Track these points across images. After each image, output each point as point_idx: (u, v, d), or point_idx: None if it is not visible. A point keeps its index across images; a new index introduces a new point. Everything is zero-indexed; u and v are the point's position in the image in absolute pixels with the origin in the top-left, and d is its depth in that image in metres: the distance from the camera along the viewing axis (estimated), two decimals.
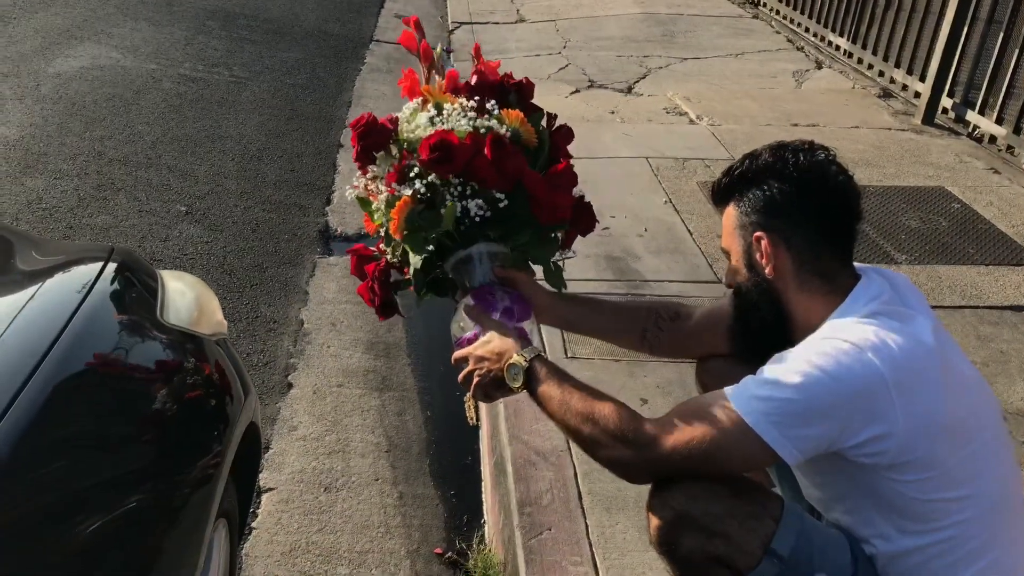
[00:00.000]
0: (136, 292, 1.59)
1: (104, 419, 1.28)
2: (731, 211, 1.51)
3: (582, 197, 1.76)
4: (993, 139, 4.81)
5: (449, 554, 2.38)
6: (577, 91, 5.82)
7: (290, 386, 2.99)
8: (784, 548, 1.34)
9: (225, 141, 4.83)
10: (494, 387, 1.57)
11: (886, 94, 5.73)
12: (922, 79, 5.33)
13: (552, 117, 1.80)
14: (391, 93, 6.08)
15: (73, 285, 1.47)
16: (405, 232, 1.61)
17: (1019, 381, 2.81)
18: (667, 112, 5.34)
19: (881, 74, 5.92)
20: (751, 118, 5.23)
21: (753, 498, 1.39)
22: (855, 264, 1.47)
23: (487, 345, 1.57)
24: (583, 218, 1.78)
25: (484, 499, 2.60)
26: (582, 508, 2.22)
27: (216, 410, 1.56)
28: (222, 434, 1.52)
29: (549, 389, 1.47)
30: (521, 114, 1.65)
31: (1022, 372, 2.86)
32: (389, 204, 1.62)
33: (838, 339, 1.30)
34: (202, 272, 3.52)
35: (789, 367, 1.31)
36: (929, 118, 5.18)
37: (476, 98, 1.66)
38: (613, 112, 5.31)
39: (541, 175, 1.64)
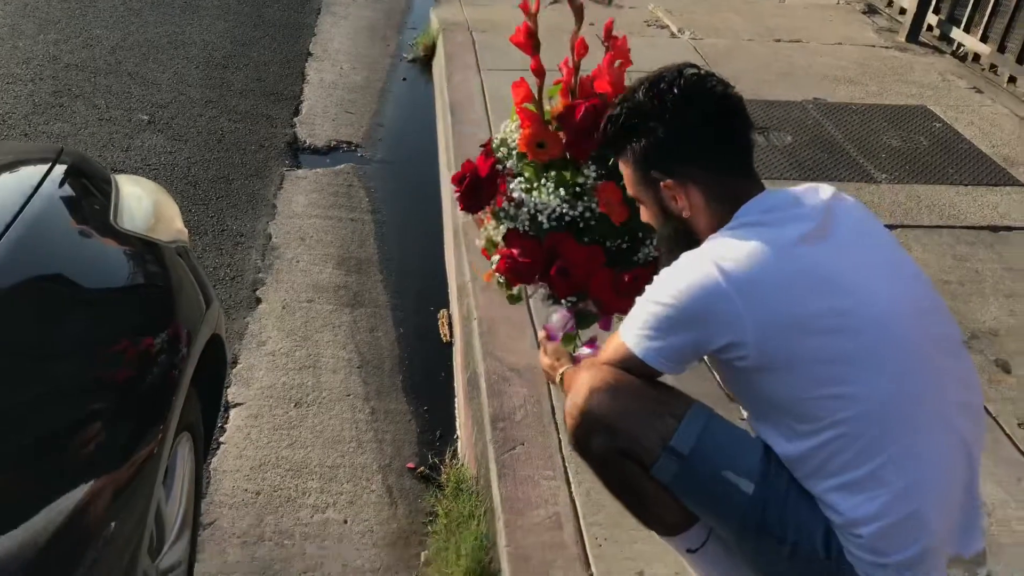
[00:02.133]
0: (87, 195, 1.50)
1: (50, 326, 1.21)
2: (625, 163, 1.52)
3: None
4: (977, 58, 4.72)
5: (421, 468, 2.37)
6: (556, 1, 5.61)
7: (258, 301, 2.92)
8: (683, 446, 1.42)
9: (189, 48, 4.62)
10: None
11: (871, 10, 5.60)
12: None
13: None
14: (362, 1, 5.84)
15: (17, 186, 1.38)
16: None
17: (992, 300, 2.81)
18: (648, 25, 5.18)
19: None
20: (733, 32, 5.09)
21: (656, 398, 1.46)
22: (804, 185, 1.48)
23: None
24: None
25: (457, 415, 2.57)
26: (555, 423, 2.20)
27: (174, 318, 1.49)
28: (181, 344, 1.46)
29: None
30: (616, 191, 1.73)
31: (996, 292, 2.85)
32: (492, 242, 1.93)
33: (693, 255, 1.38)
34: (166, 183, 3.39)
35: (653, 286, 1.42)
36: (914, 35, 5.07)
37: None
38: (592, 24, 5.13)
39: (613, 274, 1.82)
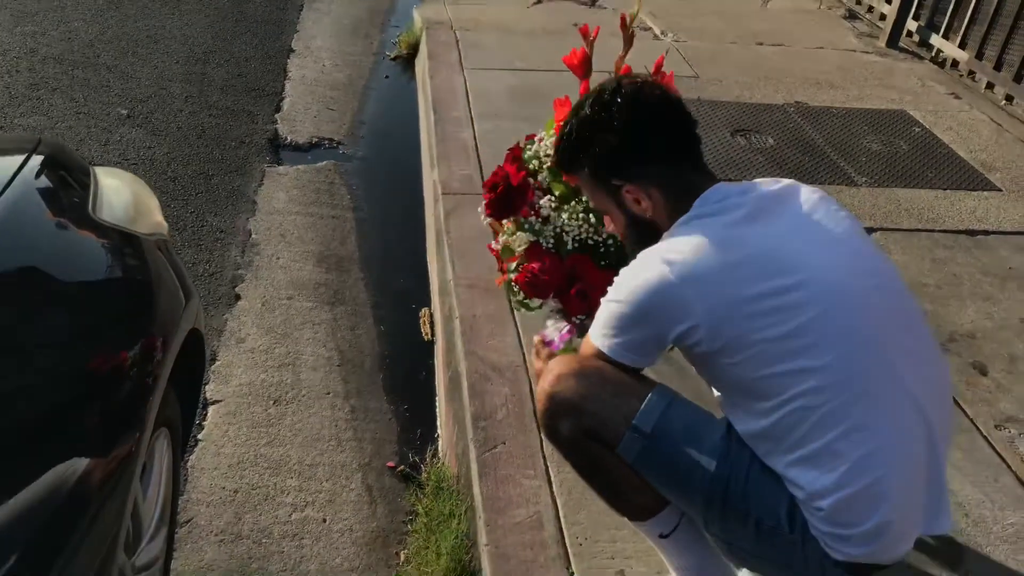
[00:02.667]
0: (65, 186, 1.48)
1: (26, 317, 1.19)
2: (585, 179, 1.59)
3: None
4: (955, 64, 4.78)
5: (401, 467, 2.35)
6: (540, 2, 5.62)
7: (238, 297, 2.89)
8: (646, 424, 1.47)
9: (169, 42, 4.58)
10: None
11: (852, 15, 5.65)
12: (888, 1, 5.25)
13: None
14: None
15: None
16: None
17: (970, 304, 2.83)
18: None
19: None
20: (717, 35, 5.11)
21: (620, 381, 1.50)
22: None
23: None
24: None
25: (438, 414, 2.56)
26: (537, 423, 2.19)
27: (153, 312, 1.47)
28: (160, 337, 1.44)
29: None
30: None
31: (973, 295, 2.88)
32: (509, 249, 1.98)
33: (645, 253, 1.45)
34: (145, 178, 3.33)
35: (612, 286, 1.48)
36: (894, 41, 5.11)
37: None
38: (576, 25, 5.13)
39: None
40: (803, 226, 1.46)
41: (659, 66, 1.91)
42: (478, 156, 3.47)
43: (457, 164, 3.41)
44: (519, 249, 1.91)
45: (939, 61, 4.90)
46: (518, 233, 1.91)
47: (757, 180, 1.53)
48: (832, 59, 4.88)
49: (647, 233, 1.52)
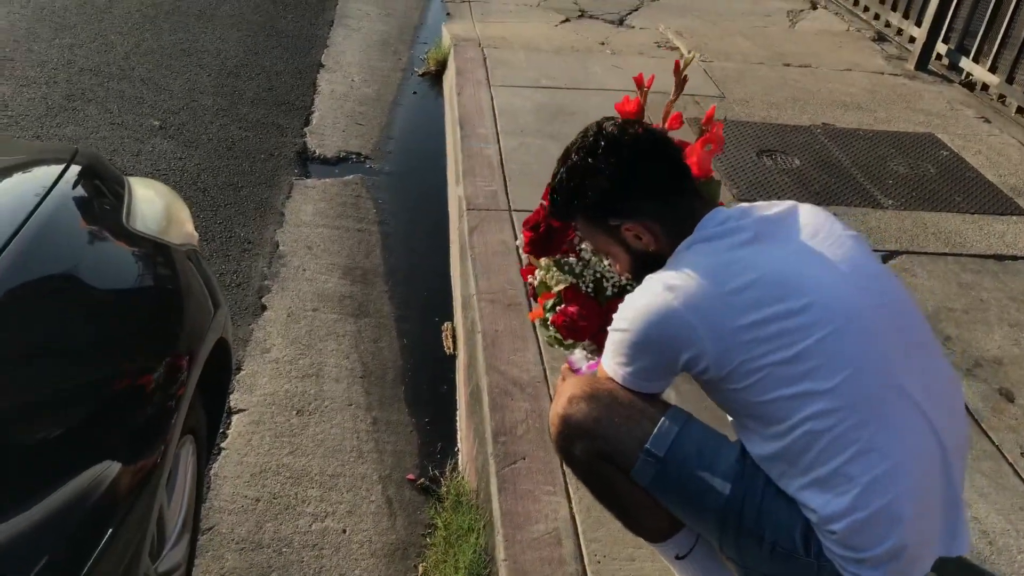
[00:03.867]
0: (100, 196, 1.51)
1: (61, 325, 1.22)
2: (582, 223, 1.62)
3: None
4: (985, 87, 4.75)
5: (421, 480, 2.36)
6: (567, 20, 5.66)
7: (264, 308, 2.93)
8: (660, 447, 1.47)
9: (202, 55, 4.66)
10: None
11: (880, 38, 5.63)
12: (918, 24, 5.23)
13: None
14: (375, 14, 5.89)
15: (32, 186, 1.39)
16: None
17: (997, 329, 2.81)
18: (658, 46, 5.21)
19: (876, 17, 5.81)
20: (743, 55, 5.12)
21: (633, 404, 1.50)
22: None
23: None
24: None
25: (458, 427, 2.57)
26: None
27: (183, 321, 1.50)
28: (189, 346, 1.46)
29: None
30: None
31: (1000, 320, 2.85)
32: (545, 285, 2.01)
33: (648, 281, 1.46)
34: (176, 189, 3.40)
35: (618, 314, 1.49)
36: (923, 64, 5.09)
37: None
38: (603, 44, 5.18)
39: None
40: (807, 248, 1.46)
41: (709, 118, 1.92)
42: (503, 172, 3.50)
43: (483, 180, 3.44)
44: (556, 288, 1.93)
45: (969, 84, 4.87)
46: (556, 272, 1.92)
47: (755, 203, 1.55)
48: (860, 81, 4.86)
49: (653, 265, 1.53)
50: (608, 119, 1.62)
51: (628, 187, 1.52)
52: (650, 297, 1.43)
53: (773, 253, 1.43)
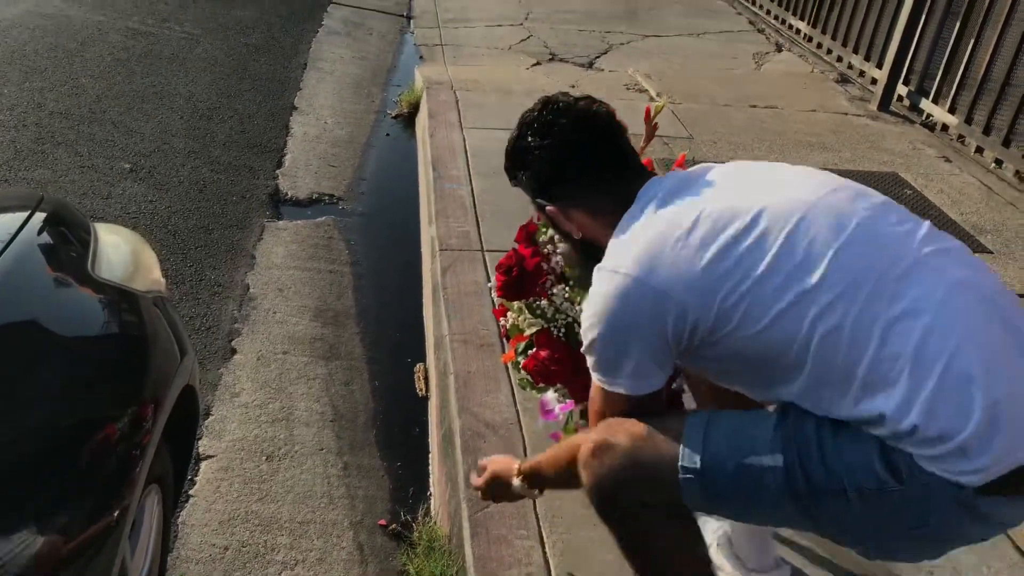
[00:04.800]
0: (66, 243, 1.50)
1: (23, 372, 1.20)
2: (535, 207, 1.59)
3: (678, 391, 1.88)
4: (945, 128, 4.86)
5: (393, 526, 2.33)
6: (538, 63, 5.75)
7: (233, 351, 2.90)
8: (693, 459, 1.34)
9: (174, 99, 4.66)
10: (509, 496, 1.75)
11: (844, 79, 5.77)
12: (879, 66, 5.37)
13: None
14: (348, 57, 5.94)
15: None
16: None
17: None
18: (627, 88, 5.30)
19: (839, 59, 5.96)
20: (710, 97, 5.21)
21: (652, 434, 1.38)
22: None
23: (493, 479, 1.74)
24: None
25: (431, 471, 2.55)
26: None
27: (148, 368, 1.48)
28: (154, 394, 1.45)
29: (540, 479, 1.63)
30: None
31: None
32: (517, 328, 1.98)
33: (595, 277, 1.38)
34: (146, 232, 3.39)
35: (583, 319, 1.40)
36: (885, 104, 5.22)
37: None
38: (573, 86, 5.25)
39: None
40: (754, 178, 1.40)
41: (680, 164, 1.95)
42: (476, 213, 3.52)
43: (455, 220, 3.45)
44: (529, 332, 1.93)
45: (929, 125, 4.99)
46: (528, 316, 1.93)
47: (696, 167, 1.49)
48: (825, 121, 4.97)
49: (591, 254, 1.46)
50: (563, 94, 1.54)
51: (556, 169, 1.47)
52: (605, 285, 1.35)
53: (707, 190, 1.36)
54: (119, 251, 1.63)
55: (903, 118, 5.12)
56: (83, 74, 4.72)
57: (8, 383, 1.18)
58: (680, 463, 1.34)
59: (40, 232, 1.46)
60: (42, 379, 1.23)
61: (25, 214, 1.47)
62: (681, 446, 1.35)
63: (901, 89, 5.21)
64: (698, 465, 1.33)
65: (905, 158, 4.53)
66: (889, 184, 4.18)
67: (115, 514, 1.25)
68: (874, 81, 5.42)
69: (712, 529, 1.90)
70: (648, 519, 1.42)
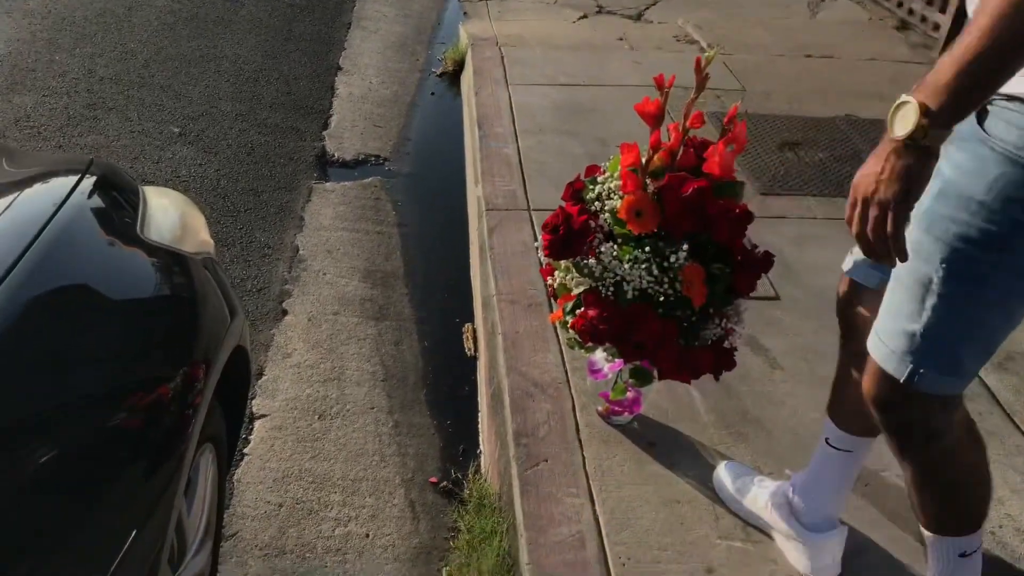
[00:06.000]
0: (115, 206, 1.51)
1: (76, 335, 1.21)
2: None
3: (730, 350, 1.93)
4: None
5: (444, 483, 2.35)
6: (584, 16, 5.62)
7: (284, 312, 2.93)
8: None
9: (220, 61, 4.68)
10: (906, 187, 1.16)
11: (904, 26, 5.54)
12: (942, 11, 5.14)
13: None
14: (392, 15, 5.89)
15: (46, 197, 1.39)
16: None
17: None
18: (677, 40, 5.16)
19: (900, 4, 5.71)
20: (763, 48, 5.05)
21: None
22: None
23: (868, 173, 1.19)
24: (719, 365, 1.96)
25: (480, 430, 2.56)
26: (579, 440, 2.18)
27: (199, 330, 1.49)
28: (205, 355, 1.46)
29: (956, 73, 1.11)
30: (700, 272, 1.79)
31: None
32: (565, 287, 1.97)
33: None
34: (196, 195, 3.43)
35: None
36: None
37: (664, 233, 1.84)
38: (621, 39, 5.14)
39: (681, 349, 1.88)
40: None
41: (731, 117, 1.88)
42: (522, 171, 3.48)
43: (501, 180, 3.42)
44: (576, 291, 1.90)
45: None
46: (575, 275, 1.90)
47: None
48: (883, 71, 4.79)
49: None
50: None
51: None
52: None
53: None
54: (168, 213, 1.64)
55: None
56: (131, 39, 4.76)
57: (63, 345, 1.20)
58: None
59: (90, 196, 1.47)
60: (95, 341, 1.25)
61: (75, 178, 1.48)
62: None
63: None
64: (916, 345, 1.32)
65: None
66: None
67: (170, 471, 1.27)
68: (936, 27, 5.20)
69: (769, 490, 1.88)
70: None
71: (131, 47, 4.66)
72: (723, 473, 2.02)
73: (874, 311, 1.43)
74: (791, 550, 1.85)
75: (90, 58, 4.46)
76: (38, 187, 1.47)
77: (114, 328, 1.30)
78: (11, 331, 1.12)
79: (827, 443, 1.72)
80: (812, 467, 1.82)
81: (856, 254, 1.57)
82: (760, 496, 1.90)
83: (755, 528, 1.95)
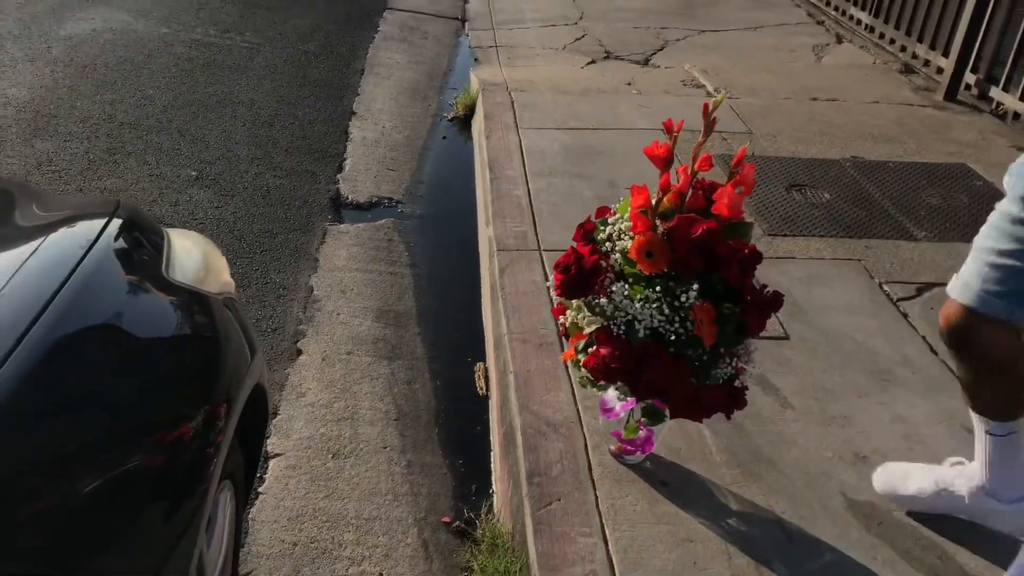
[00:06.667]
0: (141, 248, 1.56)
1: (104, 376, 1.25)
2: None
3: (741, 389, 1.97)
4: (1017, 116, 4.71)
5: (457, 523, 2.36)
6: (593, 62, 5.73)
7: (299, 352, 2.97)
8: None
9: (236, 107, 4.78)
10: None
11: (908, 69, 5.62)
12: (945, 54, 5.22)
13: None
14: (404, 61, 6.01)
15: (76, 240, 1.44)
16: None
17: None
18: (684, 84, 5.25)
19: (903, 49, 5.81)
20: (770, 91, 5.14)
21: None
22: None
23: None
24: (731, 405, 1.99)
25: (493, 469, 2.57)
26: (592, 479, 2.19)
27: (221, 369, 1.53)
28: (227, 393, 1.49)
29: None
30: (711, 312, 1.84)
31: None
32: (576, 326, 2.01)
33: None
34: (212, 237, 3.47)
35: None
36: (952, 94, 5.07)
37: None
38: (629, 84, 5.23)
39: (694, 388, 1.91)
40: None
41: (740, 159, 1.93)
42: (532, 213, 3.53)
43: (512, 221, 3.47)
44: (588, 330, 1.94)
45: (1000, 114, 4.83)
46: (587, 314, 1.93)
47: None
48: (888, 113, 4.85)
49: None
50: None
51: None
52: None
53: None
54: (191, 255, 1.68)
55: (971, 107, 4.97)
56: (150, 85, 4.87)
57: (93, 385, 1.23)
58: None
59: (117, 237, 1.51)
60: (123, 380, 1.28)
61: (103, 221, 1.53)
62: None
63: (969, 77, 5.06)
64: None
65: (975, 148, 4.39)
66: (958, 175, 4.07)
67: (194, 507, 1.29)
68: (940, 70, 5.28)
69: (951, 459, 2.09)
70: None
71: (150, 93, 4.77)
72: (889, 475, 2.16)
73: None
74: (997, 523, 2.01)
75: (110, 104, 4.56)
76: (67, 230, 1.52)
77: (141, 367, 1.33)
78: (42, 370, 1.16)
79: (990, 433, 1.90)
80: (989, 459, 1.95)
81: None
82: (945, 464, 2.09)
83: (768, 568, 1.95)
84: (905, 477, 2.12)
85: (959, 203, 3.80)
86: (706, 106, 1.90)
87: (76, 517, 1.10)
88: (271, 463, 2.48)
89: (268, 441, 2.54)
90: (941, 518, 2.08)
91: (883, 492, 2.14)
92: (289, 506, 2.35)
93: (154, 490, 1.24)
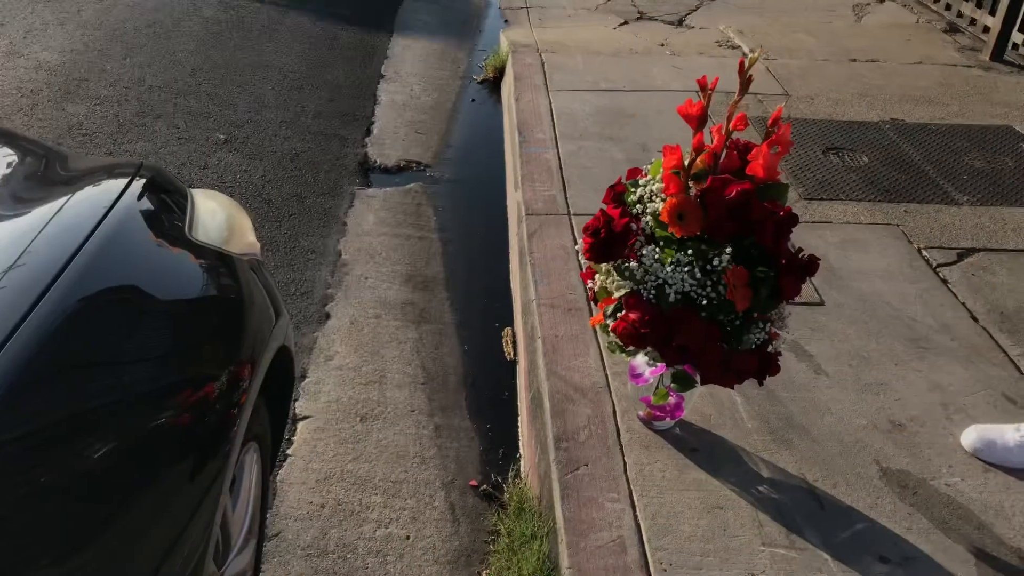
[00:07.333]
0: (164, 208, 1.54)
1: (126, 334, 1.24)
2: None
3: (774, 354, 1.92)
4: None
5: (484, 487, 2.35)
6: (625, 23, 5.62)
7: (327, 316, 2.96)
8: None
9: (265, 70, 4.75)
10: None
11: (952, 28, 5.44)
12: (992, 12, 5.04)
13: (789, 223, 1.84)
14: (433, 24, 5.94)
15: (98, 199, 1.43)
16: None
17: None
18: (719, 45, 5.13)
19: (948, 7, 5.62)
20: (807, 52, 5.00)
21: None
22: None
23: None
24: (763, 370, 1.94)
25: (520, 433, 2.56)
26: (620, 445, 2.17)
27: (245, 330, 1.51)
28: (251, 354, 1.48)
29: None
30: (744, 275, 1.78)
31: None
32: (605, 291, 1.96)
33: None
34: (240, 201, 3.47)
35: None
36: (998, 54, 4.90)
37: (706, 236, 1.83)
38: (663, 45, 5.12)
39: (724, 352, 1.85)
40: None
41: (776, 118, 1.86)
42: (562, 177, 3.48)
43: (541, 185, 3.42)
44: (617, 294, 1.89)
45: None
46: (617, 278, 1.89)
47: None
48: (931, 74, 4.70)
49: None
50: None
51: None
52: None
53: None
54: (215, 215, 1.66)
55: (1019, 68, 4.80)
56: (179, 49, 4.86)
57: (114, 344, 1.23)
58: None
59: (140, 198, 1.50)
60: (145, 340, 1.27)
61: (125, 181, 1.52)
62: None
63: (1016, 37, 4.88)
64: None
65: (1021, 110, 4.25)
66: (1004, 138, 3.93)
67: (216, 468, 1.28)
68: (986, 29, 5.10)
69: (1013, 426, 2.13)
70: None
71: (179, 56, 4.76)
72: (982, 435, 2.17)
73: None
74: None
75: (140, 68, 4.56)
76: (90, 190, 1.51)
77: (163, 327, 1.32)
78: (63, 330, 1.15)
79: None
80: None
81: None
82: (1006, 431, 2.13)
83: (799, 535, 1.92)
84: (1003, 433, 2.15)
85: (1004, 166, 3.68)
86: (742, 62, 1.83)
87: (100, 476, 1.10)
88: (299, 426, 2.49)
89: (296, 404, 2.55)
90: (981, 486, 2.03)
91: (973, 450, 2.16)
92: (317, 468, 2.35)
93: (177, 449, 1.23)
